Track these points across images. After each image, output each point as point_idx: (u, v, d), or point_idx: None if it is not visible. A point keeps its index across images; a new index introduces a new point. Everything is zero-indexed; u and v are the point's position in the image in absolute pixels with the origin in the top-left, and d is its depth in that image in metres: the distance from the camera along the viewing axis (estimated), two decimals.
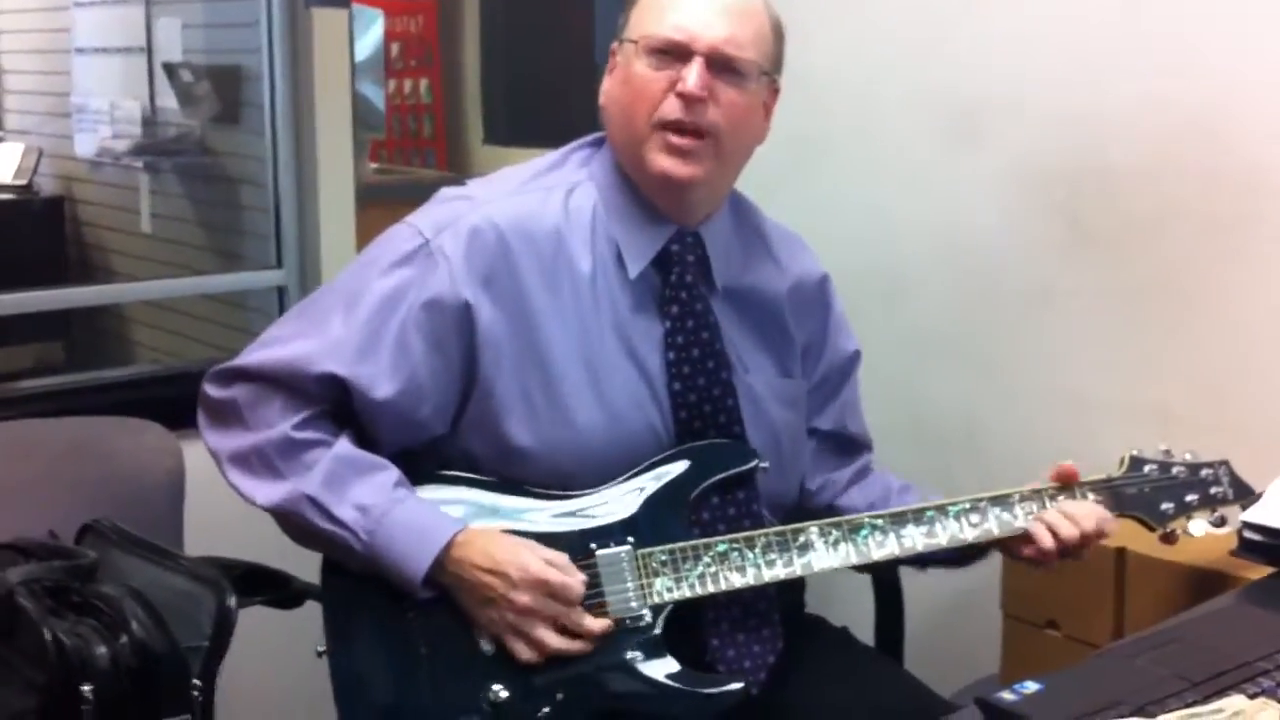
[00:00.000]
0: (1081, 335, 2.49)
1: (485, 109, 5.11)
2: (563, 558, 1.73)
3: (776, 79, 1.87)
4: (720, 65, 1.77)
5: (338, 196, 2.91)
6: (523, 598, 1.69)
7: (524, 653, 1.71)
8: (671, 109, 1.76)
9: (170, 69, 4.05)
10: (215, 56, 3.89)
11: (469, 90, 5.20)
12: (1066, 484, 1.87)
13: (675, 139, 1.77)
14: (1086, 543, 1.83)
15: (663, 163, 1.79)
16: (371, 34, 4.90)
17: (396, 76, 5.25)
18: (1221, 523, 1.91)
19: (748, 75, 1.79)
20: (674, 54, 1.76)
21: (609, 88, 1.86)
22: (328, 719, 1.75)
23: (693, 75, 1.75)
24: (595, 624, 1.72)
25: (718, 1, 1.78)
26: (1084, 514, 1.83)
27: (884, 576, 2.17)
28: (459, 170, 5.10)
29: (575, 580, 1.72)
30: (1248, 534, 1.92)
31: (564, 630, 1.71)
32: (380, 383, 1.76)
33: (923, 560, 1.96)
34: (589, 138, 1.93)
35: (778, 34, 1.85)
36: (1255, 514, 1.91)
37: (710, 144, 1.79)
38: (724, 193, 1.90)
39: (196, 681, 1.71)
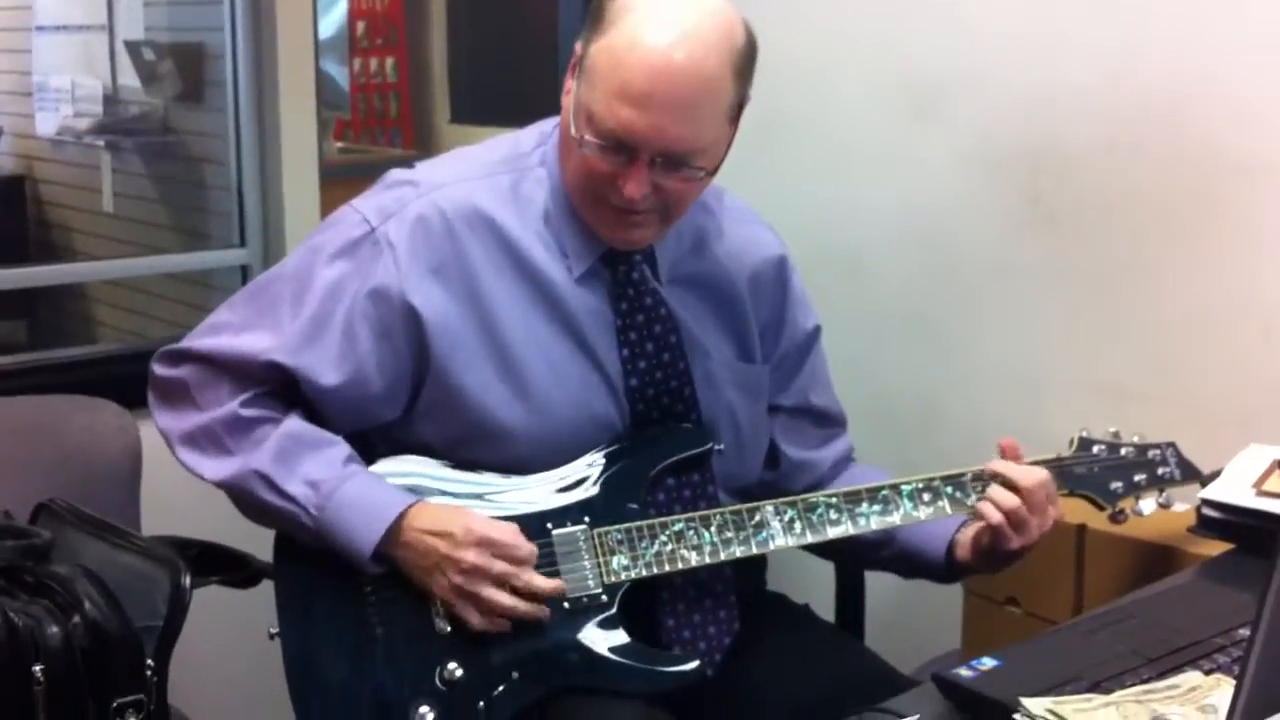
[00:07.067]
0: (1040, 314, 2.49)
1: (451, 88, 5.09)
2: (511, 527, 1.72)
3: (737, 119, 1.77)
4: (666, 162, 1.69)
5: (301, 175, 2.88)
6: (468, 555, 1.68)
7: (474, 618, 1.69)
8: (615, 198, 1.71)
9: (132, 47, 4.02)
10: (178, 34, 3.86)
11: (435, 69, 5.18)
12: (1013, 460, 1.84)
13: (620, 215, 1.74)
14: (1031, 508, 1.76)
15: (609, 232, 1.77)
16: (336, 12, 4.89)
17: (361, 55, 5.23)
18: (1169, 503, 1.91)
19: (696, 164, 1.71)
20: (619, 148, 1.68)
21: (566, 108, 1.74)
22: (283, 699, 1.74)
23: (630, 185, 1.68)
24: (546, 583, 1.70)
25: (673, 94, 1.65)
26: (1020, 473, 1.78)
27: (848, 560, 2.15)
28: (425, 149, 5.09)
29: (523, 541, 1.71)
30: (1206, 511, 1.92)
31: (515, 592, 1.70)
32: (326, 370, 1.75)
33: (907, 572, 1.97)
34: (546, 122, 1.87)
35: (740, 75, 1.72)
36: (1214, 491, 1.91)
37: (656, 215, 1.75)
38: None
39: (150, 662, 1.70)
